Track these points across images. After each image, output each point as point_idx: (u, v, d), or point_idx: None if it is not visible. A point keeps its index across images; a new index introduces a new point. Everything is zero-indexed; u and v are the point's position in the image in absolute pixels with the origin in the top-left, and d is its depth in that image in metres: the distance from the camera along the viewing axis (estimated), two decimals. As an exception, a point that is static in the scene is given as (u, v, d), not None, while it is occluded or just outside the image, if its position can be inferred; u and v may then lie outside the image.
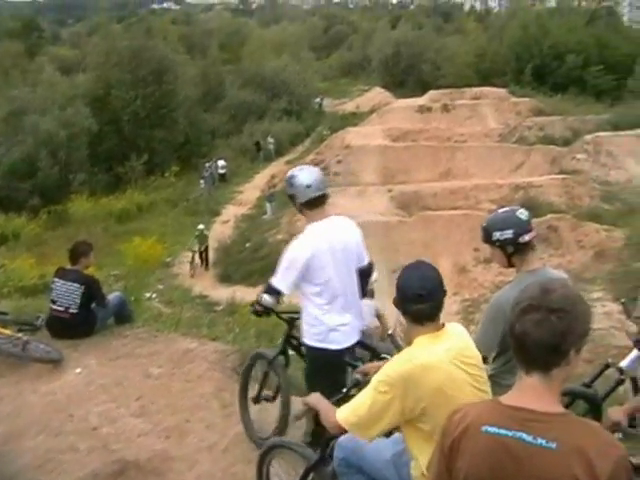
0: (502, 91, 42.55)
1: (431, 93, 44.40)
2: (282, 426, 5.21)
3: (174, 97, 41.87)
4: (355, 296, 4.79)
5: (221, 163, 37.56)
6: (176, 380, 6.31)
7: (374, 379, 3.24)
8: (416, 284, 3.22)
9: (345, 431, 3.37)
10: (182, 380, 6.31)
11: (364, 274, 4.80)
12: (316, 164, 28.68)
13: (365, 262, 4.84)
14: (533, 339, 2.27)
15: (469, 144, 32.05)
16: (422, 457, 3.21)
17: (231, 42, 64.15)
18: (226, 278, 25.52)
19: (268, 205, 30.24)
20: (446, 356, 3.16)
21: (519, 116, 36.24)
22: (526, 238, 4.03)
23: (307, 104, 51.80)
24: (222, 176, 37.28)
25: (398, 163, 30.40)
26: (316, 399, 3.57)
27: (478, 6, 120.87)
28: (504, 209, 4.24)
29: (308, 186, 4.56)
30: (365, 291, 4.97)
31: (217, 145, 43.32)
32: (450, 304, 18.64)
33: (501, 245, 4.08)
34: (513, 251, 4.08)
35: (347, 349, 4.68)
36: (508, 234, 4.03)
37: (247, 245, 26.78)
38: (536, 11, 62.66)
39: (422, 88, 50.81)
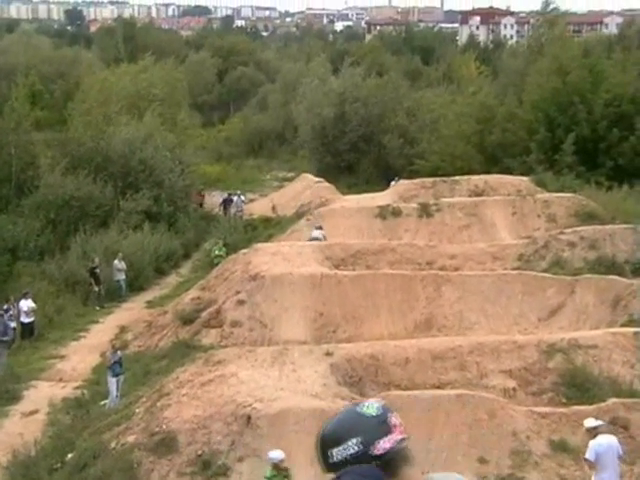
0: (522, 181, 34.53)
1: (400, 185, 35.96)
2: None
3: None
4: None
5: (26, 305, 26.79)
6: None
7: None
8: None
9: None
10: None
11: None
12: (200, 309, 23.65)
13: None
14: None
15: (465, 273, 25.70)
16: None
17: (52, 89, 52.41)
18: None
19: (112, 381, 21.37)
20: None
21: (553, 224, 29.58)
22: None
23: (186, 203, 40.44)
24: (27, 328, 26.72)
25: (343, 306, 24.08)
26: None
27: (482, 36, 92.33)
28: (339, 413, 3.74)
29: None
30: None
31: (20, 272, 31.96)
32: None
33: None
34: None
35: None
36: (353, 447, 3.48)
37: (68, 457, 18.04)
38: (583, 42, 52.20)
39: (384, 177, 41.56)
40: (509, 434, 15.28)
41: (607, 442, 12.41)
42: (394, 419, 3.56)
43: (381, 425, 3.49)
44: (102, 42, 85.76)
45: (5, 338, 24.25)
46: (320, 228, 27.38)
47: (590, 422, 12.79)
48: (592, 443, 12.47)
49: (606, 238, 26.22)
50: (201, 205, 41.20)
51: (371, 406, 3.56)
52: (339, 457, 3.47)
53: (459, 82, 60.77)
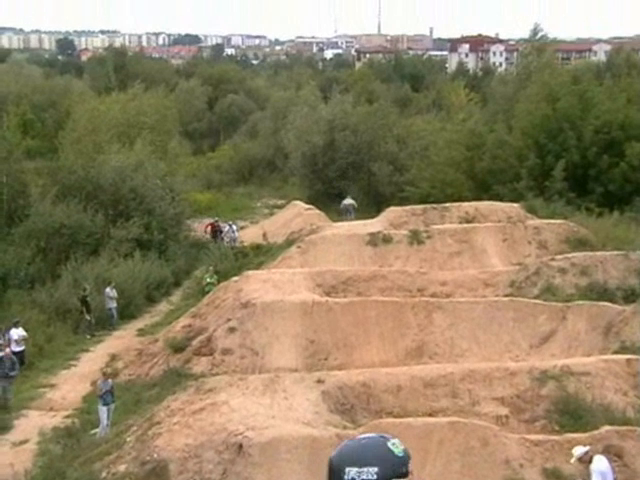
0: (513, 207, 33.66)
1: (391, 212, 34.70)
2: None
3: None
4: None
5: (17, 334, 25.75)
6: None
7: None
8: None
9: None
10: None
11: None
12: (191, 336, 23.29)
13: None
14: None
15: (456, 300, 24.69)
16: None
17: (43, 118, 51.67)
18: None
19: (103, 410, 20.57)
20: None
21: (544, 250, 28.52)
22: None
23: (177, 230, 39.68)
24: (17, 357, 25.11)
25: (334, 333, 23.34)
26: None
27: (471, 64, 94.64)
28: (365, 436, 3.55)
29: None
30: None
31: (10, 301, 30.93)
32: None
33: None
34: None
35: None
36: (371, 474, 3.36)
37: (58, 488, 17.27)
38: (572, 69, 51.85)
39: (375, 203, 40.72)
40: (502, 462, 14.85)
41: (604, 462, 12.46)
42: (411, 466, 3.57)
43: (401, 466, 3.48)
44: (93, 71, 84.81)
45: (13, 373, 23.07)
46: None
47: (580, 449, 12.66)
48: (595, 466, 12.34)
49: (597, 264, 25.53)
50: (214, 238, 38.57)
51: (398, 445, 3.55)
52: (352, 477, 3.42)
53: (449, 109, 60.32)
